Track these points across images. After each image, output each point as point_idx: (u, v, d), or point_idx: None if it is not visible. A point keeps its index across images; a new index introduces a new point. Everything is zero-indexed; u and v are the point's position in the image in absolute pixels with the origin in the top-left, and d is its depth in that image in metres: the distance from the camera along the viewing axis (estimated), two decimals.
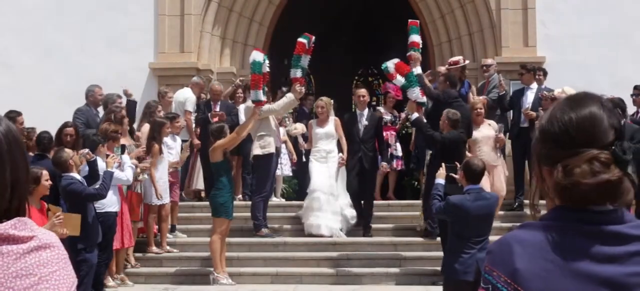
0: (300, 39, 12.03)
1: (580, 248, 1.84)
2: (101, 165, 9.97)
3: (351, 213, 12.42)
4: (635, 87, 13.08)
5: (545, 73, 13.53)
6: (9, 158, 1.83)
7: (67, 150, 9.51)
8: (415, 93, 11.46)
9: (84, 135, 11.00)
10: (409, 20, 12.51)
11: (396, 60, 11.77)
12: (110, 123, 10.96)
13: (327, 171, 12.30)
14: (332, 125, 12.50)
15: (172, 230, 12.48)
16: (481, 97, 12.90)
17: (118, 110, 11.76)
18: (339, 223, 12.22)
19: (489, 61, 14.12)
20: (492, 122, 12.42)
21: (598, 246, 1.83)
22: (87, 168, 9.67)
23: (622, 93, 12.79)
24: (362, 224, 12.31)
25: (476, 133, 11.89)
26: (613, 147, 1.85)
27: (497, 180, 11.91)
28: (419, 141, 13.44)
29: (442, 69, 13.08)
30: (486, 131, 12.11)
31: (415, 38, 12.11)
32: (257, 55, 11.85)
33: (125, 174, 10.23)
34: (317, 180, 12.22)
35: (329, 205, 12.18)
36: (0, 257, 1.76)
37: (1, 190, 1.81)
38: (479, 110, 12.09)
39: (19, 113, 11.45)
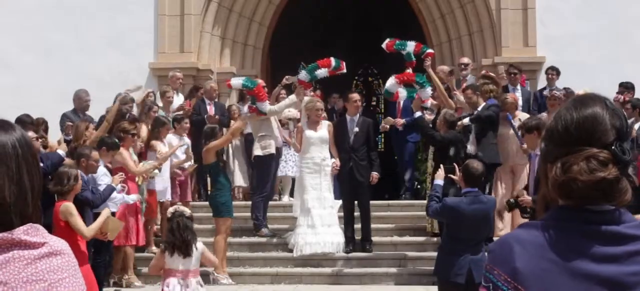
0: (331, 58, 11.94)
1: (579, 247, 1.85)
2: (101, 168, 9.98)
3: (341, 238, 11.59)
4: (621, 84, 13.13)
5: (557, 73, 13.71)
6: (25, 163, 1.86)
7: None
8: (427, 93, 11.40)
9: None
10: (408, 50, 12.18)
11: (393, 78, 11.59)
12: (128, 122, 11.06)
13: (321, 183, 11.54)
14: (325, 129, 11.70)
15: None
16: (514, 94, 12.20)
17: (128, 112, 11.93)
18: (340, 236, 11.57)
19: (465, 60, 14.12)
20: (523, 116, 11.37)
21: (597, 246, 1.85)
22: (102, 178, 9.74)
23: None
24: (361, 239, 11.65)
25: (502, 129, 11.18)
26: (613, 147, 1.87)
27: (521, 182, 10.81)
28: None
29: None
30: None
31: (412, 45, 12.08)
32: (240, 79, 11.79)
33: (122, 197, 10.04)
34: (312, 196, 11.49)
35: (330, 218, 11.56)
36: (12, 262, 1.78)
37: (23, 194, 1.84)
38: (513, 111, 11.24)
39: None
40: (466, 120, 10.85)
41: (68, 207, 7.73)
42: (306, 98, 12.18)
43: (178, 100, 13.89)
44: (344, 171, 11.51)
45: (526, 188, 9.12)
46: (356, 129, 11.58)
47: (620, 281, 1.83)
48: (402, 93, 11.64)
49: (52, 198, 8.18)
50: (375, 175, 11.61)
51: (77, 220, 7.67)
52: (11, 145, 1.85)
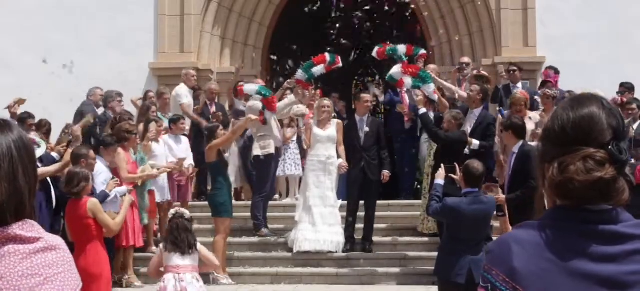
0: (326, 53, 11.91)
1: (577, 247, 1.85)
2: (100, 166, 9.97)
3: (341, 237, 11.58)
4: (621, 85, 13.12)
5: (556, 72, 13.76)
6: (20, 164, 1.89)
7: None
8: (430, 89, 11.38)
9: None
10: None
11: (399, 67, 11.47)
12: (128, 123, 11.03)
13: (325, 182, 11.55)
14: (333, 128, 11.74)
15: None
16: (522, 90, 12.22)
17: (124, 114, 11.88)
18: (341, 236, 11.58)
19: (466, 60, 14.09)
20: (533, 114, 11.40)
21: (595, 245, 1.85)
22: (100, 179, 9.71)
23: None
24: (362, 239, 11.67)
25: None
26: (609, 147, 1.87)
27: None
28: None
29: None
30: (528, 126, 10.64)
31: (403, 48, 12.05)
32: (254, 85, 11.78)
33: (115, 195, 9.99)
34: (314, 193, 11.52)
35: (331, 217, 11.57)
36: (7, 256, 1.81)
37: (18, 193, 1.87)
38: (519, 106, 11.09)
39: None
40: (475, 144, 10.66)
41: (95, 203, 7.70)
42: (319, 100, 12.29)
43: (189, 99, 13.85)
44: (356, 170, 11.48)
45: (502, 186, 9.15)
46: (366, 129, 11.56)
47: (619, 281, 1.82)
48: (407, 80, 11.52)
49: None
50: (386, 173, 11.60)
51: (105, 215, 7.65)
52: (6, 146, 1.88)
